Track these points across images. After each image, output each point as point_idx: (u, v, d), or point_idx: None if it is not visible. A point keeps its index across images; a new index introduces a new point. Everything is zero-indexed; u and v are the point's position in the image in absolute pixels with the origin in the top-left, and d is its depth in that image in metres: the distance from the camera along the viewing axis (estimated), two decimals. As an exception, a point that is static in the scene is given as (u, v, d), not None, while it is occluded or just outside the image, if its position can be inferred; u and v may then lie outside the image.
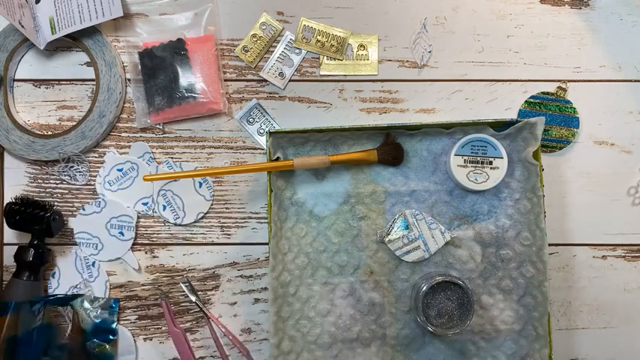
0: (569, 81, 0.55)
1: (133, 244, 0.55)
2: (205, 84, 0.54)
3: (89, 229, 0.55)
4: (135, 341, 0.55)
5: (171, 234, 0.56)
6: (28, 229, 0.52)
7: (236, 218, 0.56)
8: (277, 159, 0.51)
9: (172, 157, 0.56)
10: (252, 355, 0.55)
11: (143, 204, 0.55)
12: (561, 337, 0.55)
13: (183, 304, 0.55)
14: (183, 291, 0.55)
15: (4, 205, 0.53)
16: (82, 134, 0.54)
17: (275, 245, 0.50)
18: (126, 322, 0.55)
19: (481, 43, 0.56)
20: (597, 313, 0.55)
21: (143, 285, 0.55)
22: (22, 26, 0.53)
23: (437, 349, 0.51)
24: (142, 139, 0.56)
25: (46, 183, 0.56)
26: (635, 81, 0.56)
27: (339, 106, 0.56)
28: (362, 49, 0.56)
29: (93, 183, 0.56)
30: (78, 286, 0.55)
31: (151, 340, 0.55)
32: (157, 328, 0.55)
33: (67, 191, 0.56)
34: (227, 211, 0.56)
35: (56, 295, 0.55)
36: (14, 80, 0.56)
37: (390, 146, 0.52)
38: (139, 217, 0.55)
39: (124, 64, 0.56)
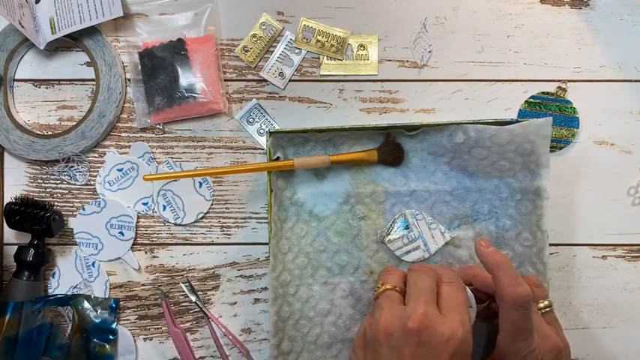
0: (569, 81, 0.55)
1: (133, 244, 0.55)
2: (205, 84, 0.54)
3: (89, 229, 0.55)
4: (135, 341, 0.55)
5: (171, 234, 0.56)
6: (28, 229, 0.52)
7: (236, 218, 0.56)
8: (277, 159, 0.51)
9: (172, 157, 0.56)
10: (252, 355, 0.55)
11: (143, 204, 0.56)
12: (561, 337, 0.55)
13: (183, 304, 0.55)
14: (183, 291, 0.55)
15: (4, 205, 0.53)
16: (82, 134, 0.54)
17: (275, 245, 0.50)
18: (126, 322, 0.55)
19: (481, 43, 0.56)
20: (597, 313, 0.55)
21: (143, 285, 0.55)
22: (22, 26, 0.53)
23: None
24: (142, 139, 0.56)
25: (46, 183, 0.56)
26: (635, 81, 0.56)
27: (339, 106, 0.56)
28: (362, 49, 0.56)
29: (93, 183, 0.56)
30: (78, 286, 0.55)
31: (151, 340, 0.55)
32: (157, 328, 0.55)
33: (67, 191, 0.56)
34: (227, 211, 0.56)
35: (56, 295, 0.55)
36: (14, 80, 0.56)
37: (390, 146, 0.52)
38: (139, 217, 0.55)
39: (124, 64, 0.56)
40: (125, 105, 0.56)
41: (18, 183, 0.56)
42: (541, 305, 0.43)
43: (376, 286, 0.42)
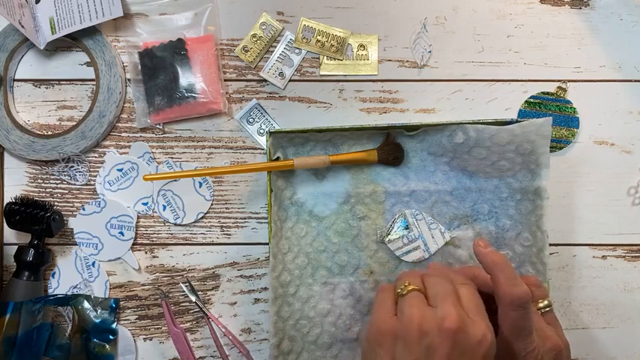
0: (569, 81, 0.56)
1: (133, 244, 0.55)
2: (205, 84, 0.54)
3: (89, 229, 0.55)
4: (135, 341, 0.55)
5: (171, 234, 0.56)
6: (28, 229, 0.52)
7: (236, 218, 0.56)
8: (277, 159, 0.51)
9: (172, 157, 0.56)
10: (252, 355, 0.55)
11: (143, 204, 0.56)
12: (561, 337, 0.55)
13: (183, 304, 0.55)
14: (183, 291, 0.55)
15: (4, 205, 0.53)
16: (82, 134, 0.54)
17: (275, 245, 0.50)
18: (126, 322, 0.55)
19: (481, 43, 0.56)
20: (597, 313, 0.55)
21: (143, 285, 0.55)
22: (22, 26, 0.53)
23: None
24: (142, 139, 0.56)
25: (46, 183, 0.56)
26: (635, 81, 0.56)
27: (339, 106, 0.56)
28: (362, 49, 0.56)
29: (93, 183, 0.56)
30: (78, 286, 0.55)
31: (151, 340, 0.55)
32: (157, 328, 0.55)
33: (67, 191, 0.56)
34: (227, 211, 0.56)
35: (56, 295, 0.55)
36: (14, 80, 0.56)
37: (390, 146, 0.52)
38: (139, 217, 0.55)
39: (124, 64, 0.56)
40: (125, 105, 0.56)
41: (18, 183, 0.56)
42: (541, 305, 0.43)
43: (400, 285, 0.42)
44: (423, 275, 0.42)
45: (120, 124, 0.56)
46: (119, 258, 0.55)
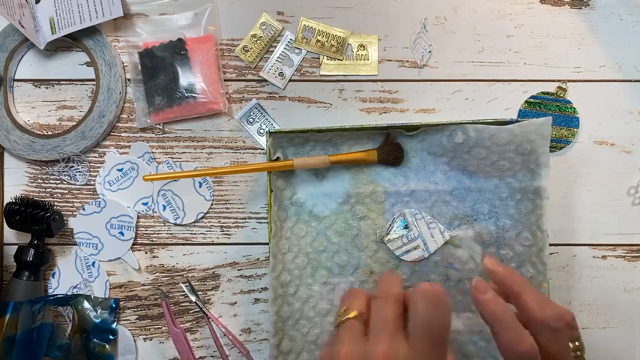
0: (569, 81, 0.56)
1: (133, 244, 0.55)
2: (205, 84, 0.54)
3: (89, 229, 0.55)
4: (135, 341, 0.55)
5: (171, 234, 0.56)
6: (28, 229, 0.52)
7: (236, 218, 0.56)
8: (277, 159, 0.51)
9: (172, 157, 0.56)
10: (252, 355, 0.55)
11: (143, 204, 0.56)
12: (561, 337, 0.55)
13: (183, 304, 0.55)
14: (183, 291, 0.55)
15: (4, 205, 0.53)
16: (82, 134, 0.54)
17: (275, 245, 0.50)
18: (126, 322, 0.55)
19: (481, 43, 0.56)
20: (597, 313, 0.55)
21: (143, 285, 0.55)
22: (22, 26, 0.53)
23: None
24: (142, 139, 0.56)
25: (46, 183, 0.56)
26: (635, 81, 0.56)
27: (339, 106, 0.56)
28: (362, 49, 0.56)
29: (93, 183, 0.56)
30: (78, 286, 0.55)
31: (151, 340, 0.55)
32: (157, 328, 0.55)
33: (67, 191, 0.56)
34: (227, 211, 0.56)
35: (56, 295, 0.55)
36: (14, 80, 0.56)
37: (390, 146, 0.52)
38: (139, 217, 0.55)
39: (124, 64, 0.56)
40: (125, 105, 0.56)
41: (18, 183, 0.56)
42: (571, 346, 0.37)
43: (340, 310, 0.39)
44: (372, 297, 0.39)
45: (120, 124, 0.56)
46: (119, 258, 0.55)
